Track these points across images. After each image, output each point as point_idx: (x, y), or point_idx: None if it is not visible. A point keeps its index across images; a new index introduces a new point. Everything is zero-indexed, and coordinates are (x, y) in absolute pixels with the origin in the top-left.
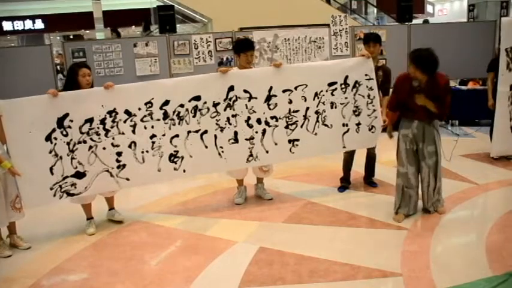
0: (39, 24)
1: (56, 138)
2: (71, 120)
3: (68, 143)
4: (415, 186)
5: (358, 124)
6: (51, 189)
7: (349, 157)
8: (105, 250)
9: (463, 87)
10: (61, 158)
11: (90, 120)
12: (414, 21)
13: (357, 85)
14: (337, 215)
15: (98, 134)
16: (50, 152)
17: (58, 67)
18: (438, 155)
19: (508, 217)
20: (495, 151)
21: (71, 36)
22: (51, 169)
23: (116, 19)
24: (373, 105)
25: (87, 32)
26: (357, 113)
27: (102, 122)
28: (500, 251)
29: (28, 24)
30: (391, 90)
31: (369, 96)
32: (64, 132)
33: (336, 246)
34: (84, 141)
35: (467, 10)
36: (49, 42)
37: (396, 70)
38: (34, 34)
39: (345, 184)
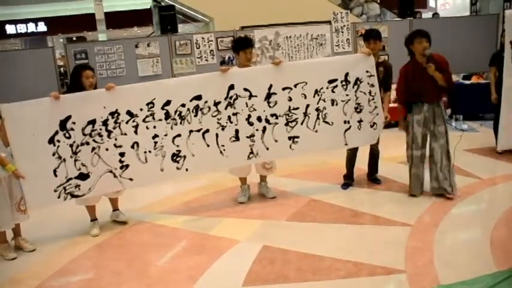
0: (41, 27)
1: (59, 141)
2: (74, 123)
3: (71, 145)
4: (423, 167)
5: (360, 121)
6: (55, 191)
7: (352, 154)
8: (110, 251)
9: (466, 82)
10: (64, 160)
11: (92, 122)
12: (424, 16)
13: (358, 82)
14: (341, 212)
15: (100, 135)
16: (53, 155)
17: (61, 69)
18: (447, 134)
19: None
20: (501, 145)
21: (74, 38)
22: (54, 171)
23: (118, 20)
24: (374, 102)
25: (90, 33)
26: (358, 110)
27: (105, 123)
28: (505, 246)
29: (31, 27)
30: (393, 86)
31: (370, 93)
32: (67, 135)
33: (339, 243)
34: (87, 143)
35: (470, 4)
36: (52, 45)
37: (398, 66)
38: (37, 37)
39: (348, 181)
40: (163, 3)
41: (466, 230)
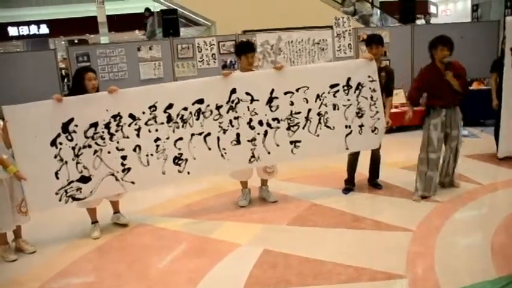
0: (44, 29)
1: (61, 143)
2: (76, 125)
3: (73, 148)
4: (437, 169)
5: (361, 126)
6: (57, 194)
7: (353, 159)
8: (110, 253)
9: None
10: (66, 162)
11: (94, 125)
12: (433, 21)
13: (360, 87)
14: (342, 217)
15: (102, 138)
16: (55, 157)
17: (63, 72)
18: (459, 138)
19: None
20: (502, 151)
21: (76, 41)
22: (56, 174)
23: (120, 23)
24: (376, 107)
25: (92, 36)
26: (359, 115)
27: (107, 126)
28: (505, 252)
29: (33, 29)
30: (395, 91)
31: (371, 98)
32: (69, 137)
33: (340, 248)
34: (89, 146)
35: (471, 10)
36: (54, 47)
37: (400, 71)
38: (39, 39)
39: (349, 186)
40: (164, 7)
41: (467, 236)
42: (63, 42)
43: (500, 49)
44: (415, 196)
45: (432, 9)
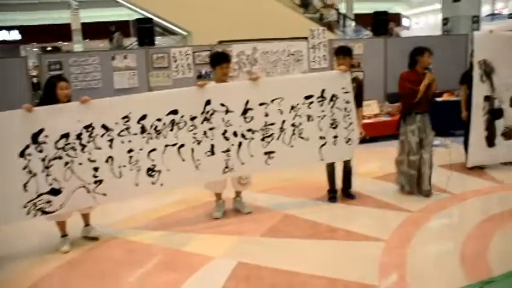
0: (15, 35)
1: (30, 155)
2: (46, 136)
3: (43, 159)
4: (417, 170)
5: (336, 137)
6: (25, 207)
7: (331, 169)
8: (80, 268)
9: (438, 99)
10: (35, 174)
11: (66, 136)
12: (406, 34)
13: (334, 98)
14: (316, 228)
15: (74, 149)
16: (24, 169)
17: (34, 79)
18: (432, 145)
19: (483, 226)
20: (471, 161)
21: (49, 48)
22: (24, 186)
23: (94, 31)
24: (350, 118)
25: (65, 43)
26: (334, 126)
27: (79, 137)
28: (474, 260)
29: (3, 35)
30: (368, 102)
31: (345, 109)
32: (39, 148)
33: (313, 259)
34: (60, 157)
35: (442, 24)
36: (25, 54)
37: (374, 82)
38: (10, 45)
39: (333, 195)
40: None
41: (438, 245)
42: (35, 49)
43: (469, 62)
44: (399, 186)
45: (405, 22)
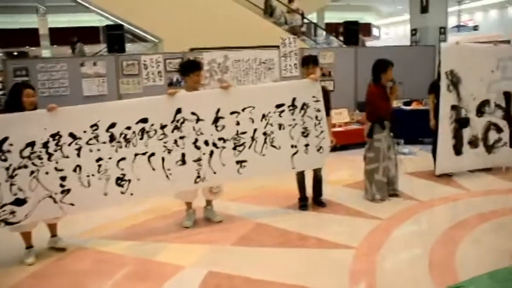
0: None
1: None
2: (11, 144)
3: (7, 168)
4: (386, 175)
5: (307, 145)
6: None
7: (301, 177)
8: (46, 281)
9: (407, 108)
10: None
11: (31, 144)
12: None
13: (305, 107)
14: (287, 236)
15: (40, 158)
16: None
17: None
18: (395, 149)
19: (450, 232)
20: (439, 169)
21: (15, 53)
22: None
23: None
24: (320, 126)
25: (33, 49)
26: (305, 134)
27: (45, 145)
28: (442, 266)
29: None
30: (339, 111)
31: (316, 117)
32: (3, 157)
33: (285, 267)
34: (25, 166)
35: (410, 34)
36: None
37: (344, 90)
38: None
39: (304, 202)
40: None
41: (406, 252)
42: (0, 54)
43: (437, 72)
44: (370, 197)
45: (375, 32)
